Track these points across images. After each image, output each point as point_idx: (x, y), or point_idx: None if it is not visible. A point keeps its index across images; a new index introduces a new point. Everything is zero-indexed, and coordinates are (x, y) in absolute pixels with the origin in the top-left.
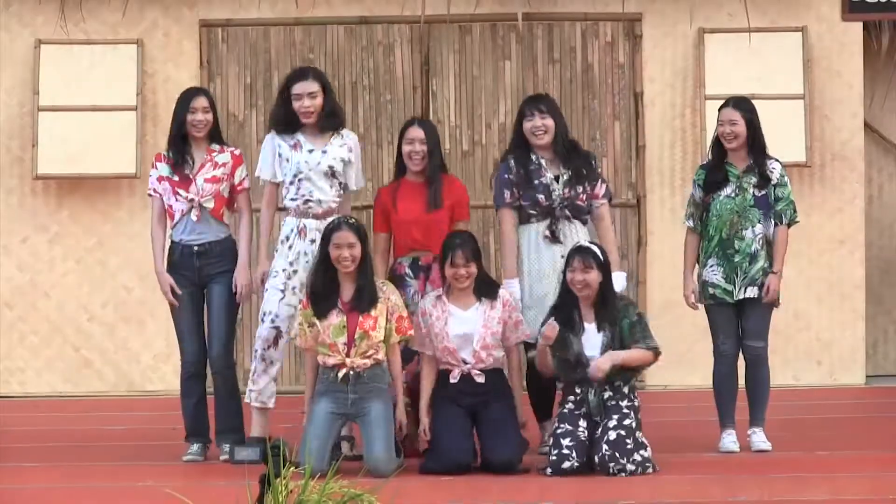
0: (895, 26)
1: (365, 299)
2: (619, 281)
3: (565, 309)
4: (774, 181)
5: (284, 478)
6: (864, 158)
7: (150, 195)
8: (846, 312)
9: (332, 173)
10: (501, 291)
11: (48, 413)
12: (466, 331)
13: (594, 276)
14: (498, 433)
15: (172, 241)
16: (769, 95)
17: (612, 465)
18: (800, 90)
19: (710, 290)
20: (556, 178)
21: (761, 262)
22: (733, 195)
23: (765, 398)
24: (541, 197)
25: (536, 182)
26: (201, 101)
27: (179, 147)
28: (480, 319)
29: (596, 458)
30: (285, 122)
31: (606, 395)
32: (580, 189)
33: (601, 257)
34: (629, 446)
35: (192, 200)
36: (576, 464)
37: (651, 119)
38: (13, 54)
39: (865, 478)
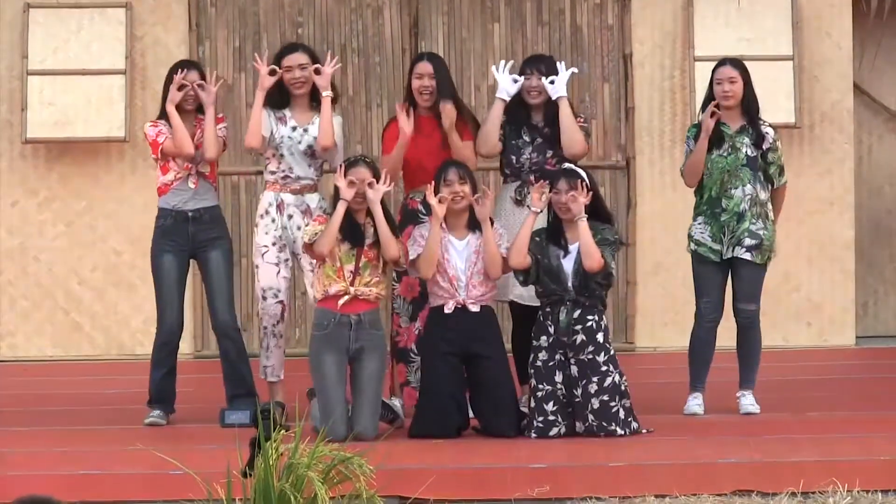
0: None
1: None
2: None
3: (555, 233)
4: (768, 144)
5: (275, 441)
6: (853, 119)
7: (158, 143)
8: (836, 273)
9: (311, 153)
10: (495, 225)
11: (38, 377)
12: (462, 260)
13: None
14: (495, 403)
15: (162, 208)
16: (758, 56)
17: (601, 433)
18: (789, 51)
19: (695, 248)
20: (531, 142)
21: (747, 223)
22: (725, 154)
23: (756, 361)
24: (512, 157)
25: (512, 142)
26: (193, 76)
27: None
28: (473, 247)
29: (579, 426)
30: (277, 95)
31: (579, 338)
32: (549, 153)
33: (587, 180)
34: (614, 409)
35: (188, 167)
36: (563, 429)
37: (640, 81)
38: (1, 18)
39: (856, 439)
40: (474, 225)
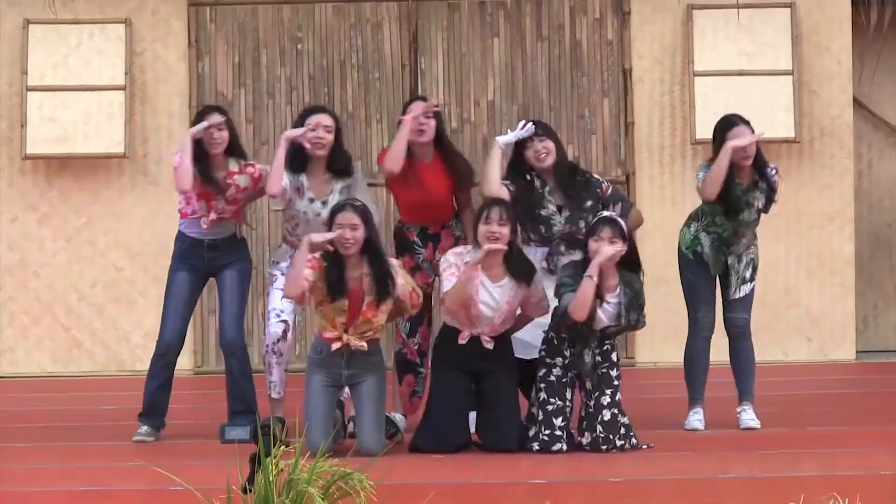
0: (883, 1)
1: (380, 290)
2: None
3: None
4: (776, 193)
5: (275, 457)
6: (853, 134)
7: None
8: (836, 288)
9: (330, 223)
10: (536, 277)
11: (38, 393)
12: (491, 304)
13: (619, 248)
14: (498, 417)
15: (181, 232)
16: (758, 71)
17: (605, 446)
18: (788, 66)
19: (699, 247)
20: (559, 210)
21: (746, 260)
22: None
23: (752, 372)
24: (542, 228)
25: (537, 212)
26: (215, 118)
27: (200, 162)
28: (506, 295)
29: (587, 436)
30: (294, 158)
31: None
32: (582, 224)
33: (626, 230)
34: (620, 423)
35: (210, 214)
36: (564, 447)
37: (640, 96)
38: (1, 34)
39: (856, 453)
40: (513, 270)
